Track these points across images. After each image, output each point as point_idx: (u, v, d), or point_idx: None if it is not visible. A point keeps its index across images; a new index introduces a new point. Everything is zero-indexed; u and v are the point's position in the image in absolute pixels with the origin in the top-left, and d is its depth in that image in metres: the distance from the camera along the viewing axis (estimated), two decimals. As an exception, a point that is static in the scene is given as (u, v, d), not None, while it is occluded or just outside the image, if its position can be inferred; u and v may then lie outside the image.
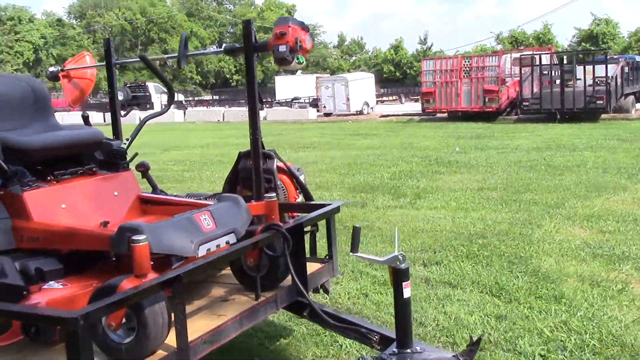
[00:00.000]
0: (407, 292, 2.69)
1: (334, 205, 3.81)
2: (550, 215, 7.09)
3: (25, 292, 2.71)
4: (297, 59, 3.75)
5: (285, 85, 43.25)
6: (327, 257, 3.80)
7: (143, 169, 4.52)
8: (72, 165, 3.46)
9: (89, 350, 2.21)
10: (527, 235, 6.30)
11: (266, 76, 65.80)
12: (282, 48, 3.72)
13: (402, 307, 2.71)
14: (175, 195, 4.41)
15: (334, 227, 3.79)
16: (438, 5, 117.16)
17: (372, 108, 32.41)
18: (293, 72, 39.93)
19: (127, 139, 3.84)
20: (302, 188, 4.12)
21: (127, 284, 2.61)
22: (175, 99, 38.72)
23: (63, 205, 3.21)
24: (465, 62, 24.05)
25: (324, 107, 31.39)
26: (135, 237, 2.61)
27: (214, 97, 53.85)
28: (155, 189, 4.54)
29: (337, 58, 72.63)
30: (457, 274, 5.16)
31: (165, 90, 4.06)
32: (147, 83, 37.41)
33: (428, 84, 24.45)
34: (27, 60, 60.11)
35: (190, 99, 48.62)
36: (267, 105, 38.09)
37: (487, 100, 22.97)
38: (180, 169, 12.67)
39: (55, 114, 3.91)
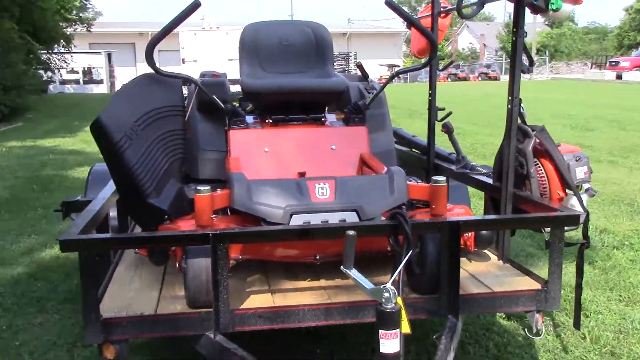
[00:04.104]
0: (388, 346, 1.79)
1: (565, 213, 2.69)
2: None
3: (166, 217, 3.00)
4: (551, 4, 2.72)
5: None
6: (545, 283, 2.75)
7: (446, 130, 4.13)
8: (303, 112, 3.51)
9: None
10: None
11: None
12: (534, -9, 2.77)
13: (380, 367, 1.82)
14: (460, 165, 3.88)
15: (560, 243, 2.69)
16: None
17: None
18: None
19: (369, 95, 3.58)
20: (568, 184, 2.99)
21: (180, 226, 2.66)
22: None
23: (266, 149, 3.35)
24: None
25: None
26: (200, 187, 2.60)
27: None
28: (458, 153, 4.09)
29: None
30: None
31: None
32: None
33: None
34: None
35: None
36: None
37: None
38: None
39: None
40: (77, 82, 35.60)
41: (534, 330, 2.75)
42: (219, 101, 3.36)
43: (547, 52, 56.52)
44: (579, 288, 2.99)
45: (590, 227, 5.51)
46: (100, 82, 35.78)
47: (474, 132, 12.30)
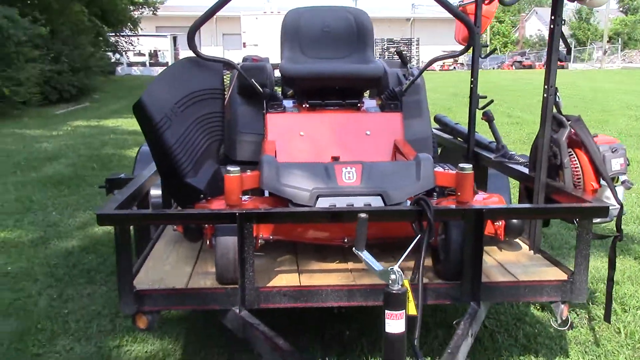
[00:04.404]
0: (394, 327, 1.84)
1: (592, 204, 2.66)
2: None
3: (202, 196, 3.11)
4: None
5: None
6: (571, 274, 2.73)
7: (486, 118, 4.10)
8: (340, 97, 3.56)
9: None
10: None
11: None
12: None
13: (386, 346, 1.87)
14: (495, 154, 3.85)
15: (588, 235, 2.66)
16: None
17: None
18: None
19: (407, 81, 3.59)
20: (602, 175, 2.93)
21: (215, 206, 2.76)
22: None
23: (301, 133, 3.42)
24: None
25: None
26: (230, 168, 2.70)
27: None
28: (497, 142, 4.07)
29: None
30: None
31: None
32: None
33: None
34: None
35: None
36: None
37: None
38: None
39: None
40: (143, 64, 36.65)
41: (559, 321, 2.73)
42: (257, 85, 3.45)
43: (620, 39, 54.33)
44: (610, 281, 2.95)
45: (641, 222, 5.36)
46: (166, 64, 36.61)
47: (531, 121, 12.02)
